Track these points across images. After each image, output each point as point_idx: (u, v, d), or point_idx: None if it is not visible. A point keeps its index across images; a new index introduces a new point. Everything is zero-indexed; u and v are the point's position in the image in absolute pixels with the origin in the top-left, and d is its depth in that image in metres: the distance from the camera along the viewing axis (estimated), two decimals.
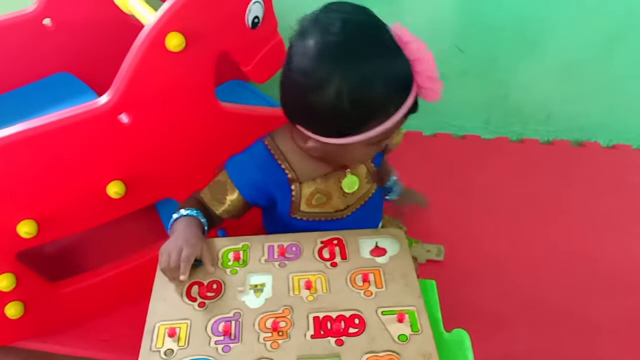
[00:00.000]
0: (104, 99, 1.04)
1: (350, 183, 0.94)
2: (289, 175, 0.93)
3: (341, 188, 0.95)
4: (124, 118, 1.06)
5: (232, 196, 0.95)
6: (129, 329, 1.22)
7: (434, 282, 0.89)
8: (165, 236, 1.12)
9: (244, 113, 1.20)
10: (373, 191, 1.00)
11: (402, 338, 0.77)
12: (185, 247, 0.85)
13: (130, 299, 1.26)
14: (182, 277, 0.83)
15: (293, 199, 0.95)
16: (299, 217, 0.97)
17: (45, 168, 1.04)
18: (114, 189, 1.10)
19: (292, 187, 0.94)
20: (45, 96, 1.40)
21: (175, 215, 0.93)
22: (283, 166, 0.93)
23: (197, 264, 0.87)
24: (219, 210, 0.96)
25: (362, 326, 0.78)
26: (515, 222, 1.53)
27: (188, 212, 0.93)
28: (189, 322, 0.80)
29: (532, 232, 1.50)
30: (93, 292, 1.25)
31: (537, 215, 1.55)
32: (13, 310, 1.14)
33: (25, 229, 1.05)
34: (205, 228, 0.93)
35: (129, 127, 1.07)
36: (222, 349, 0.76)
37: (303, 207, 0.96)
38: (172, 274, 0.85)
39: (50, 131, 1.01)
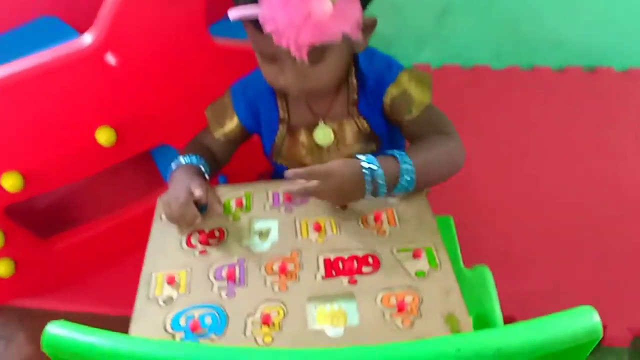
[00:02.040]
0: (87, 38, 0.97)
1: (323, 135, 0.88)
2: (281, 115, 0.90)
3: (318, 146, 0.89)
4: (110, 58, 1.00)
5: (232, 122, 0.93)
6: (131, 282, 1.18)
7: (451, 218, 0.82)
8: (163, 184, 1.07)
9: (240, 49, 1.11)
10: (367, 152, 0.89)
11: (420, 274, 0.71)
12: (183, 194, 0.80)
13: (131, 251, 1.21)
14: (197, 220, 0.80)
15: (276, 139, 0.91)
16: (279, 162, 0.93)
17: (28, 116, 0.98)
18: (104, 136, 1.04)
19: (280, 127, 0.90)
20: (30, 41, 1.32)
21: (173, 165, 0.88)
22: (279, 103, 0.89)
23: (202, 209, 0.82)
24: (218, 133, 0.94)
25: (376, 265, 0.73)
26: (528, 154, 1.48)
27: (186, 159, 0.88)
28: (189, 269, 0.74)
29: (545, 164, 1.45)
30: (89, 247, 1.21)
31: (551, 146, 1.49)
32: (3, 268, 1.10)
33: (11, 182, 0.99)
34: (207, 176, 0.88)
35: (116, 67, 1.00)
36: (226, 294, 0.70)
37: (284, 152, 0.91)
38: (177, 222, 0.81)
39: (32, 76, 0.95)
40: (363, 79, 0.87)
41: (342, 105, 0.88)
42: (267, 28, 0.70)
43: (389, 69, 0.86)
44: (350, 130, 0.89)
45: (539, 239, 1.27)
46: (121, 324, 1.12)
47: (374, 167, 0.75)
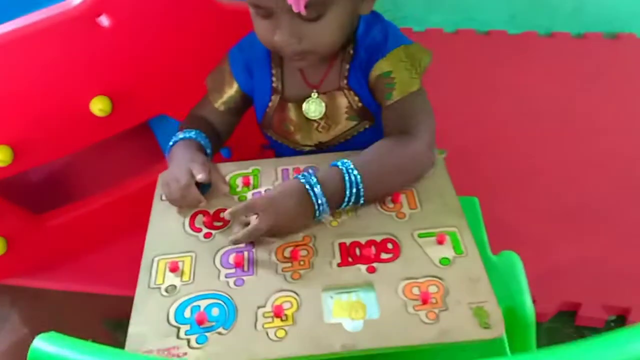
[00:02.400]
0: None
1: (314, 107, 0.81)
2: (274, 84, 0.83)
3: (306, 119, 0.82)
4: (103, 20, 0.93)
5: (231, 89, 0.86)
6: (127, 261, 1.11)
7: (475, 198, 0.76)
8: (163, 158, 1.01)
9: (247, 10, 1.03)
10: (360, 129, 0.84)
11: (444, 262, 0.65)
12: (184, 175, 0.74)
13: (128, 228, 1.14)
14: (202, 204, 0.74)
15: (267, 109, 0.85)
16: (269, 134, 0.87)
17: (15, 83, 0.91)
18: (99, 106, 0.97)
19: (272, 97, 0.84)
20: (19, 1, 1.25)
21: (171, 142, 0.82)
22: (274, 71, 0.83)
23: (205, 188, 0.76)
24: (217, 102, 0.87)
25: (396, 251, 0.67)
26: (546, 125, 1.40)
27: (185, 134, 0.81)
28: (193, 254, 0.69)
29: (565, 135, 1.37)
30: (85, 224, 1.15)
31: (570, 116, 1.42)
32: None
33: None
34: (208, 151, 0.82)
35: (110, 31, 0.93)
36: (234, 283, 0.65)
37: (274, 125, 0.85)
38: (178, 205, 0.75)
39: (18, 40, 0.88)
40: (356, 48, 0.79)
41: (335, 77, 0.81)
42: None
43: (385, 41, 0.78)
44: (342, 104, 0.82)
45: (561, 216, 1.20)
46: (117, 305, 1.09)
47: (313, 182, 0.68)
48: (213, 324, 0.60)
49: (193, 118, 0.88)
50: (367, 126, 0.83)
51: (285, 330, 0.59)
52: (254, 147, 1.07)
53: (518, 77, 1.53)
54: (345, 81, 0.81)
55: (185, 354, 0.58)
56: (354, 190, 0.70)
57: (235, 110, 0.89)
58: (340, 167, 0.71)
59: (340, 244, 0.68)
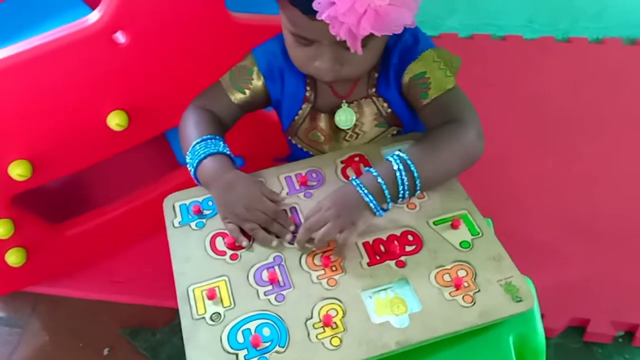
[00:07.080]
0: (94, 16, 0.90)
1: (345, 117, 0.83)
2: (307, 93, 0.84)
3: (337, 128, 0.84)
4: (120, 37, 0.93)
5: (259, 82, 0.85)
6: (143, 268, 1.17)
7: (489, 220, 0.78)
8: (177, 166, 1.12)
9: (261, 24, 1.01)
10: (388, 136, 0.86)
11: (465, 245, 0.71)
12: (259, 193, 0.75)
13: (143, 235, 1.18)
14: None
15: (296, 117, 0.86)
16: (294, 142, 0.89)
17: (34, 100, 0.92)
18: (116, 120, 0.98)
19: (303, 105, 0.84)
20: (33, 11, 1.21)
21: (191, 160, 0.78)
22: (309, 80, 0.83)
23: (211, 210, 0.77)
24: (237, 97, 0.85)
25: (418, 242, 0.72)
26: (563, 134, 1.39)
27: (209, 148, 0.78)
28: (226, 278, 0.70)
29: (582, 146, 1.36)
30: (101, 232, 1.16)
31: (588, 126, 1.41)
32: (14, 257, 1.05)
33: (18, 170, 0.94)
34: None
35: (126, 47, 0.93)
36: (275, 299, 0.67)
37: (301, 133, 0.87)
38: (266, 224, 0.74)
39: (37, 57, 0.88)
40: (388, 55, 0.81)
41: (364, 86, 0.83)
42: (323, 15, 0.64)
43: (416, 43, 0.80)
44: (369, 112, 0.84)
45: (574, 229, 1.19)
46: (134, 313, 1.12)
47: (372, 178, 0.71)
48: (268, 344, 0.63)
49: (209, 116, 0.84)
50: (394, 132, 0.86)
51: (339, 338, 0.63)
52: (267, 158, 1.07)
53: (533, 84, 1.51)
54: (373, 89, 0.83)
55: None
56: (407, 184, 0.71)
57: (252, 105, 0.87)
58: (393, 161, 0.71)
59: (364, 243, 0.72)
